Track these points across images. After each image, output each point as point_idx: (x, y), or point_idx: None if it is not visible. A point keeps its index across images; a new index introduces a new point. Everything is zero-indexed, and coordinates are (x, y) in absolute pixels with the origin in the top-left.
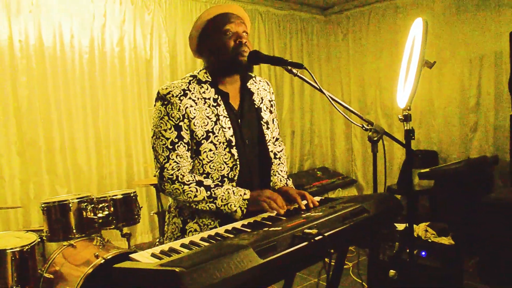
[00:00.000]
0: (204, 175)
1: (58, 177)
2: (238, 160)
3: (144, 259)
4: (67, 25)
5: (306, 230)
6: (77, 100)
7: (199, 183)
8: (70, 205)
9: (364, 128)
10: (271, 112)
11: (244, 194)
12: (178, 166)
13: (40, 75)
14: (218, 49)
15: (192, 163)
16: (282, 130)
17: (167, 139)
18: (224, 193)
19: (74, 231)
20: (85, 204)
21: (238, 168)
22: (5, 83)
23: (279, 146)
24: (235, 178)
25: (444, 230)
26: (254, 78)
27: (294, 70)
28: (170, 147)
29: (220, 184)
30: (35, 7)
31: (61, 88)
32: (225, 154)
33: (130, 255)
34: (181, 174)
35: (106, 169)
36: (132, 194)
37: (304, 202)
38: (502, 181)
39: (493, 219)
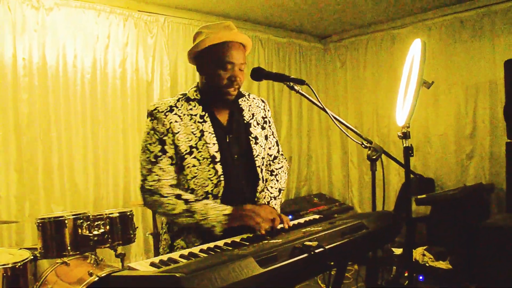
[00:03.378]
0: (189, 191)
1: (55, 195)
2: (222, 176)
3: (143, 268)
4: (71, 45)
5: (307, 243)
6: (77, 119)
7: (178, 196)
8: (66, 221)
9: (363, 146)
10: (263, 128)
11: (225, 209)
12: (159, 179)
13: (41, 93)
14: (212, 78)
15: (176, 178)
16: None
17: (151, 152)
18: (202, 207)
19: (69, 248)
20: (81, 221)
21: (222, 185)
22: (7, 100)
23: (278, 163)
24: (219, 195)
25: (442, 254)
26: (247, 96)
27: (296, 87)
28: (153, 160)
29: (199, 198)
30: (40, 27)
31: (62, 107)
32: (209, 170)
33: (128, 264)
34: (160, 186)
35: (103, 189)
36: (128, 213)
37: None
38: (498, 208)
39: (490, 244)
